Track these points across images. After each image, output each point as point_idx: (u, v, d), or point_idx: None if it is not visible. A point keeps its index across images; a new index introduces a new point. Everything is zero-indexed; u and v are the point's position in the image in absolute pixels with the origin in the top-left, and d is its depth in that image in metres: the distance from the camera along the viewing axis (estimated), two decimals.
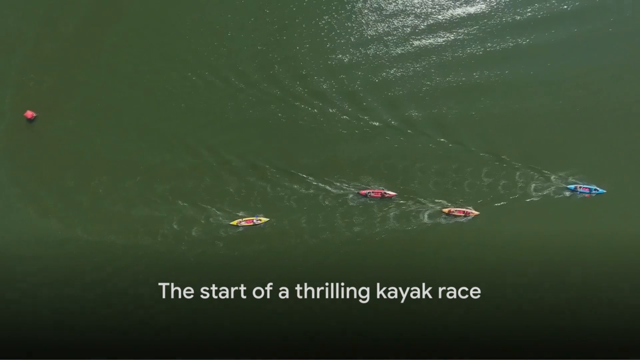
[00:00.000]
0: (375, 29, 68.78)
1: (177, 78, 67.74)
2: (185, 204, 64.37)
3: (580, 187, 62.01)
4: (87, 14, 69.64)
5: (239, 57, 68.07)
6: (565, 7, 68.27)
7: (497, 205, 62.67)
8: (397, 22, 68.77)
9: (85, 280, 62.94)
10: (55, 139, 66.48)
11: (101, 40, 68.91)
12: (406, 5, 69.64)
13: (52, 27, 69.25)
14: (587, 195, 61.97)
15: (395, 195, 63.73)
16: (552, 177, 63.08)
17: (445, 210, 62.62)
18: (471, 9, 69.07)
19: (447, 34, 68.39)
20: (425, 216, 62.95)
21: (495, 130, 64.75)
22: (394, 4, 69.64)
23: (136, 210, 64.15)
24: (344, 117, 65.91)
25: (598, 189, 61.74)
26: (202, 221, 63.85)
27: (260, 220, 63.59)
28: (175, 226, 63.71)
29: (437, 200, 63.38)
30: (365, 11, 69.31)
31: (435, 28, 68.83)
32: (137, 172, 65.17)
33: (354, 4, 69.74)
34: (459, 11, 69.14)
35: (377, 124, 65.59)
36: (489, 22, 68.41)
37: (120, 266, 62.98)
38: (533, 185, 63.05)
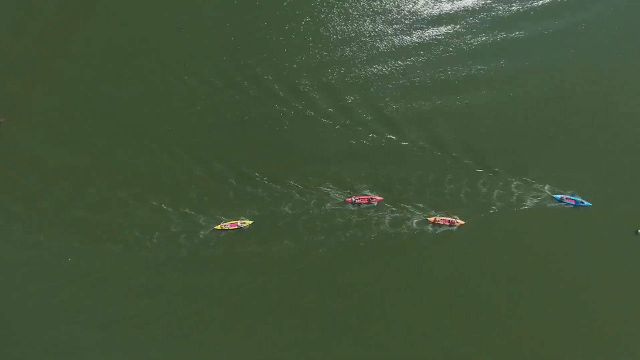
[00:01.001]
0: (361, 37, 68.33)
1: (151, 81, 66.11)
2: (169, 209, 63.37)
3: (566, 198, 61.89)
4: (53, 18, 67.47)
5: (223, 60, 66.76)
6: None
7: (484, 215, 62.42)
8: (383, 30, 68.28)
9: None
10: (20, 145, 65.02)
11: (67, 45, 66.95)
12: (397, 14, 69.04)
13: (16, 32, 67.25)
14: (572, 206, 61.90)
15: (382, 199, 63.26)
16: (539, 187, 62.93)
17: (431, 219, 62.21)
18: (449, 21, 68.83)
19: (433, 39, 68.08)
20: (413, 224, 62.49)
21: (483, 141, 64.43)
22: (385, 14, 69.09)
23: (101, 215, 63.24)
24: (332, 124, 65.22)
25: (584, 201, 61.71)
26: (184, 226, 63.04)
27: (244, 223, 62.86)
28: (137, 233, 62.82)
29: (422, 207, 63.02)
30: (354, 20, 68.64)
31: (421, 33, 68.51)
32: (103, 177, 64.11)
33: (341, 10, 68.88)
34: (440, 19, 68.92)
35: (362, 130, 65.17)
36: (470, 33, 68.32)
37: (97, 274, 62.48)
38: (519, 195, 62.83)
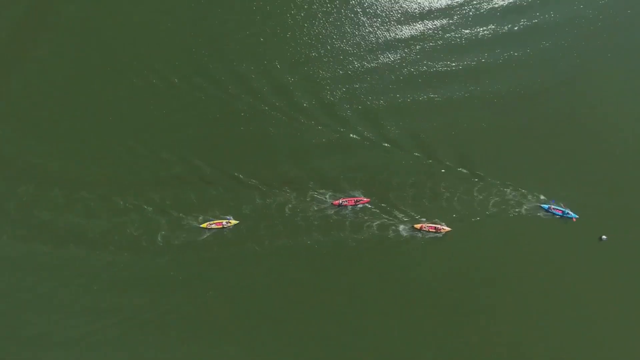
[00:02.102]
0: (350, 40, 67.72)
1: (122, 81, 65.49)
2: (151, 209, 63.03)
3: (553, 208, 61.49)
4: (18, 18, 66.75)
5: (207, 60, 66.24)
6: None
7: (471, 221, 62.17)
8: (371, 31, 67.98)
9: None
10: None
11: (33, 43, 66.03)
12: (386, 14, 68.85)
13: None
14: (558, 217, 61.53)
15: (369, 201, 63.02)
16: (528, 196, 62.65)
17: (417, 225, 61.89)
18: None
19: (419, 43, 67.76)
20: (399, 229, 62.20)
21: (472, 146, 64.11)
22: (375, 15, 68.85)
23: (65, 217, 62.61)
24: (319, 127, 64.85)
25: (570, 212, 61.30)
26: (165, 225, 62.76)
27: (229, 223, 62.83)
28: (115, 236, 62.31)
29: (409, 212, 62.77)
30: (341, 21, 68.06)
31: (406, 37, 68.15)
32: (70, 178, 63.33)
33: (329, 13, 68.40)
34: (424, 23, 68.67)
35: (354, 136, 64.92)
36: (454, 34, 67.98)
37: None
38: (508, 203, 62.56)
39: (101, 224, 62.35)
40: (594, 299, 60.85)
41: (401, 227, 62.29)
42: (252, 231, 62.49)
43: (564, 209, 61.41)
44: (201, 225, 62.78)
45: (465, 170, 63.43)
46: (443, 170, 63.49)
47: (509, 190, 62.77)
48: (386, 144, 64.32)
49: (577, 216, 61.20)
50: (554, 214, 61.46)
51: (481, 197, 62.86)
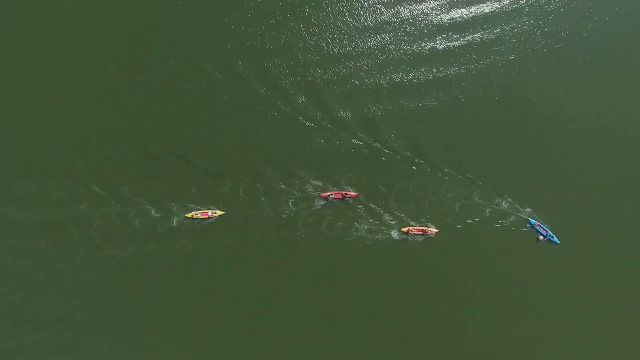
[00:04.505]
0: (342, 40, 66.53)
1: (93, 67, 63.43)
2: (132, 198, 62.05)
3: (538, 225, 61.97)
4: None
5: (197, 50, 64.32)
6: None
7: (458, 227, 62.13)
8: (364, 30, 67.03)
9: None
10: None
11: None
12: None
13: None
14: (540, 236, 61.67)
15: (356, 195, 62.55)
16: (516, 206, 62.70)
17: (404, 229, 61.99)
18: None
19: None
20: (386, 232, 62.16)
21: (466, 151, 63.56)
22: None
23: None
24: (309, 124, 63.33)
25: (554, 235, 61.77)
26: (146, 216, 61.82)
27: (215, 213, 61.92)
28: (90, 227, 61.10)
29: (397, 214, 62.61)
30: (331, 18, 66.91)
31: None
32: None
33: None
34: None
35: (345, 134, 63.70)
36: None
37: None
38: (491, 211, 62.66)
39: (86, 215, 61.38)
40: (575, 308, 61.08)
41: (389, 230, 62.24)
42: (240, 222, 61.87)
43: (548, 230, 61.95)
44: (187, 215, 61.66)
45: (454, 172, 63.02)
46: (429, 170, 63.31)
47: (498, 198, 62.85)
48: (376, 144, 63.53)
49: (558, 242, 61.60)
50: (537, 231, 61.92)
51: (467, 202, 62.75)
